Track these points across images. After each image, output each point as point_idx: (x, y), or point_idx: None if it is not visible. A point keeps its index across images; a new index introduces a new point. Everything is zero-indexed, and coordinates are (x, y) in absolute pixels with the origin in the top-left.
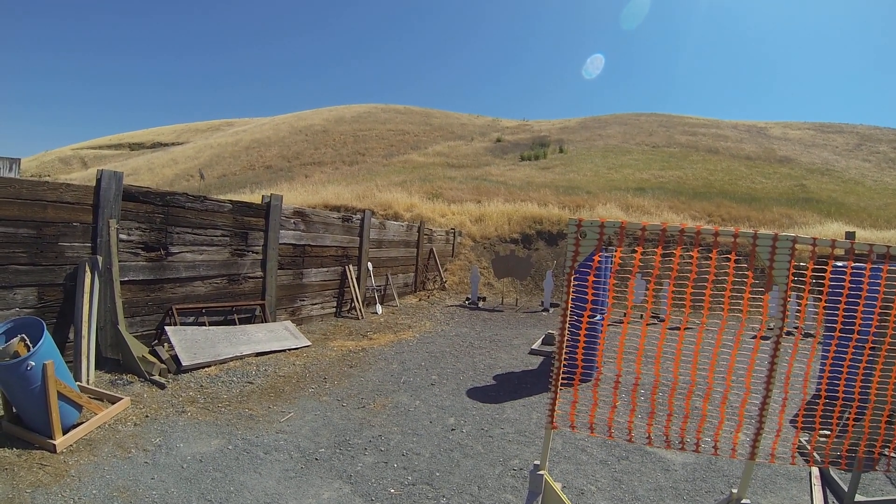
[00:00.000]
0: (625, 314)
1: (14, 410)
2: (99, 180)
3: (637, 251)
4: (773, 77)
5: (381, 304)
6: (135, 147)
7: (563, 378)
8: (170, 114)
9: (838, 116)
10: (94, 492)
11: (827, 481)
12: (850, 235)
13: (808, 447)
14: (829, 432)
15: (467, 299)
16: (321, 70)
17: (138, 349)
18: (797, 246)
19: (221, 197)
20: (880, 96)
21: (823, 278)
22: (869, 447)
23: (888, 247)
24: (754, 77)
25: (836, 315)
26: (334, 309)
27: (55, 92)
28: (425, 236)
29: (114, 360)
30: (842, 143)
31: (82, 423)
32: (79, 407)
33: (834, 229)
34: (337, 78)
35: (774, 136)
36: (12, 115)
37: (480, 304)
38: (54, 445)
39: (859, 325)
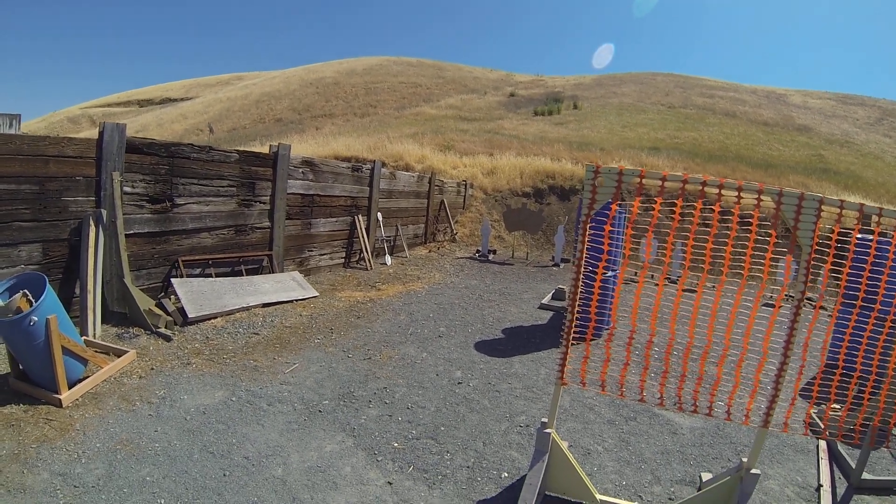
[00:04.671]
0: (638, 272)
1: (20, 367)
2: (101, 133)
3: (656, 203)
4: (795, 44)
5: (391, 254)
6: (144, 104)
7: (574, 332)
8: (179, 69)
9: (861, 88)
10: (97, 445)
11: (834, 456)
12: None
13: (820, 420)
14: (842, 406)
15: (477, 252)
16: (332, 18)
17: (144, 302)
18: (822, 210)
19: (228, 147)
20: None
21: (846, 248)
22: (882, 423)
23: None
24: (775, 43)
25: (859, 287)
26: (343, 259)
27: (61, 49)
28: (436, 188)
29: (120, 314)
30: (863, 115)
31: (88, 377)
32: (84, 361)
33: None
34: (348, 27)
35: (794, 103)
36: (18, 75)
37: (491, 256)
38: (60, 400)
39: (881, 297)
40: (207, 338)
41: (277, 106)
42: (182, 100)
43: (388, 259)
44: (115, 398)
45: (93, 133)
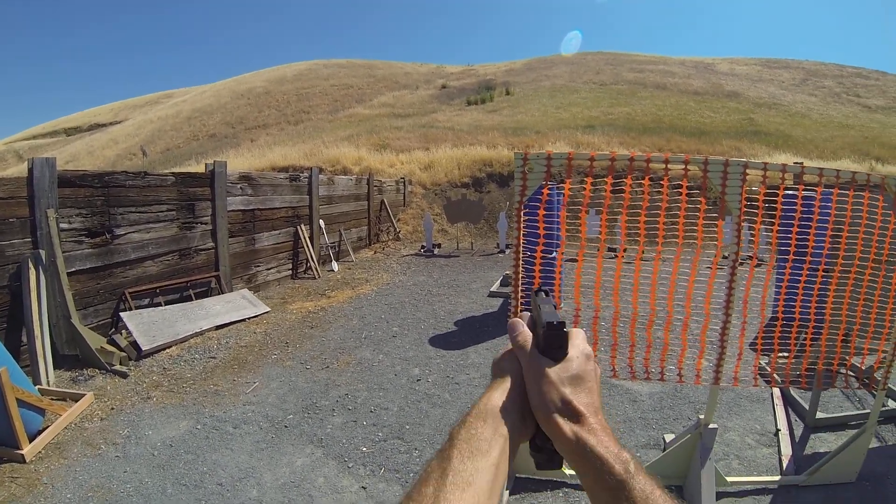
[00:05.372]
0: (579, 249)
1: None
2: (31, 170)
3: (587, 182)
4: (720, 13)
5: (337, 260)
6: (71, 132)
7: None
8: (105, 93)
9: (784, 52)
10: (68, 496)
11: (788, 401)
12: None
13: (769, 369)
14: (787, 354)
15: (422, 247)
16: (259, 26)
17: (95, 341)
18: (749, 173)
19: (164, 171)
20: (825, 32)
21: (775, 205)
22: (826, 365)
23: (837, 171)
24: (700, 14)
25: (790, 240)
26: (290, 271)
27: None
28: (375, 188)
29: (72, 356)
30: (788, 78)
31: (48, 427)
32: (41, 411)
33: (782, 160)
34: (275, 34)
35: (722, 71)
36: None
37: (436, 251)
38: (22, 455)
39: (812, 248)
40: (164, 368)
41: (210, 121)
42: (111, 124)
43: (335, 265)
44: (79, 444)
45: (21, 169)
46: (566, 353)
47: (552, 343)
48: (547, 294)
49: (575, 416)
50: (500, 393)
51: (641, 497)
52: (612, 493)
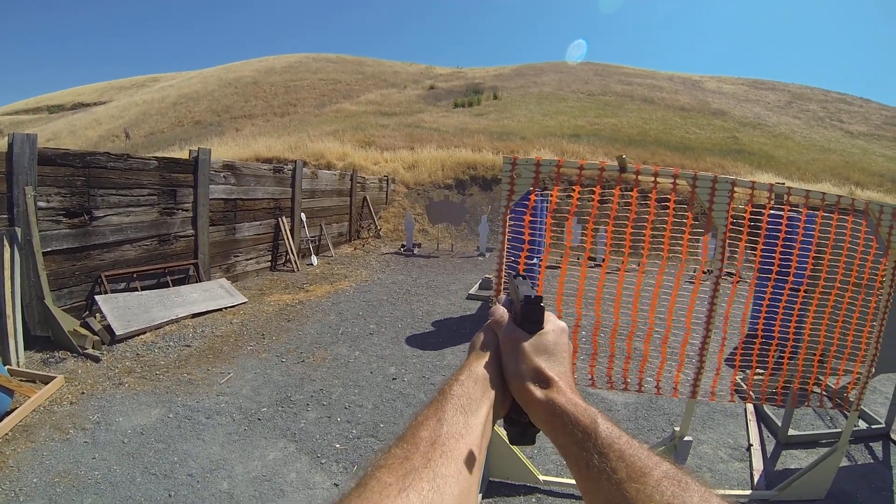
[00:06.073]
0: (562, 257)
1: None
2: (10, 145)
3: (574, 191)
4: (710, 31)
5: (317, 254)
6: (54, 109)
7: None
8: (90, 72)
9: (771, 74)
10: (34, 480)
11: (761, 417)
12: None
13: (745, 385)
14: (764, 371)
15: (402, 246)
16: (250, 15)
17: (68, 323)
18: (736, 191)
19: (147, 155)
20: (812, 57)
21: (760, 224)
22: (802, 384)
23: (823, 194)
24: (691, 31)
25: (772, 259)
26: (269, 263)
27: None
28: (358, 185)
29: (44, 338)
30: (774, 99)
31: (15, 409)
32: (10, 392)
33: (765, 180)
34: (266, 24)
35: (709, 89)
36: None
37: (416, 250)
38: None
39: (794, 269)
40: (138, 354)
41: (196, 108)
42: (95, 104)
43: (315, 259)
44: (48, 428)
45: (0, 144)
46: (542, 327)
47: (529, 316)
48: (525, 278)
49: (546, 382)
50: (484, 362)
51: (607, 442)
52: (580, 445)
